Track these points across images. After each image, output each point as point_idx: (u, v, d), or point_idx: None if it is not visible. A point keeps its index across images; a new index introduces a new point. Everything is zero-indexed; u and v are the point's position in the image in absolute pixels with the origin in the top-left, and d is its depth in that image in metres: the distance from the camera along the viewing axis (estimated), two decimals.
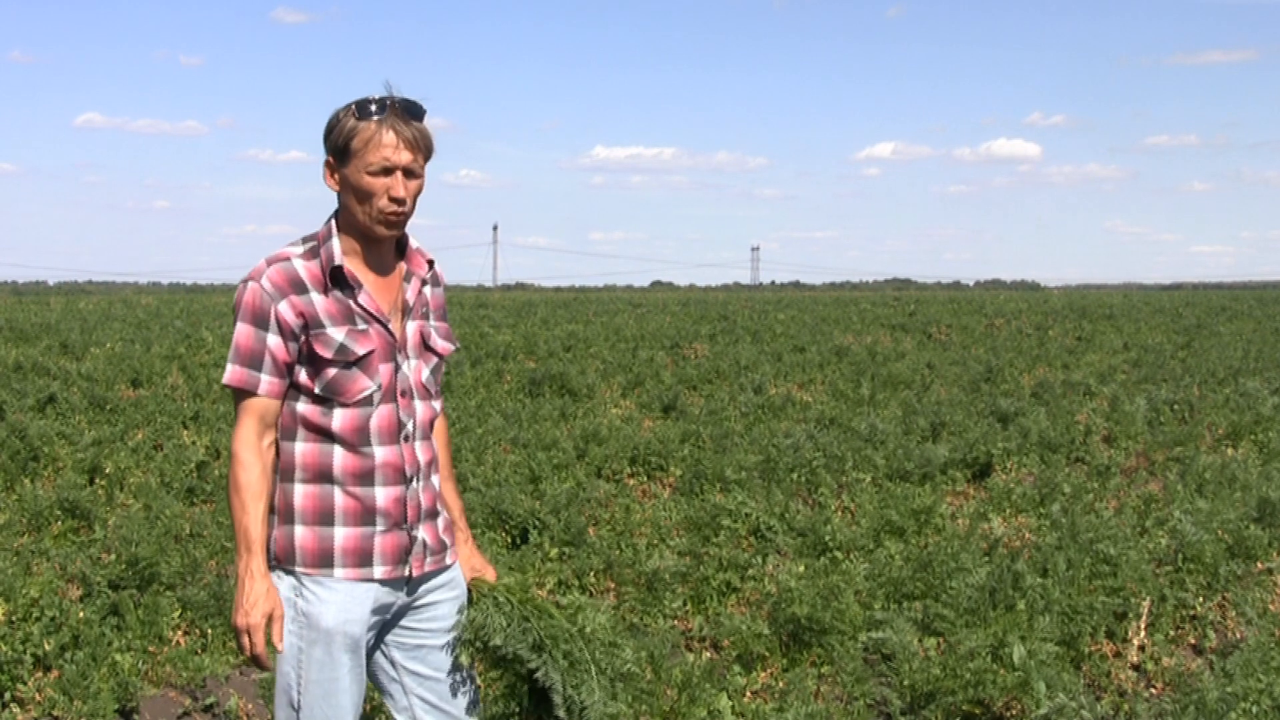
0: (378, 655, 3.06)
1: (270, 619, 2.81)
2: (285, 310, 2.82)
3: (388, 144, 2.80)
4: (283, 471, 2.89)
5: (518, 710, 3.05)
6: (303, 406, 2.87)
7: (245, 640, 2.80)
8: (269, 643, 2.83)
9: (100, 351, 18.82)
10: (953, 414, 12.11)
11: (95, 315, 30.46)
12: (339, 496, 2.87)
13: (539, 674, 2.93)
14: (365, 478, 2.88)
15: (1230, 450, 10.76)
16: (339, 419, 2.85)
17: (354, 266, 2.89)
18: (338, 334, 2.84)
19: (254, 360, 2.83)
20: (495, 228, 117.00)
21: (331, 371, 2.84)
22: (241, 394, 2.85)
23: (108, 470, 9.10)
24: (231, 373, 2.85)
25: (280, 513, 2.89)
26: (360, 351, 2.85)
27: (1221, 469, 9.21)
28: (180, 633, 5.68)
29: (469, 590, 3.09)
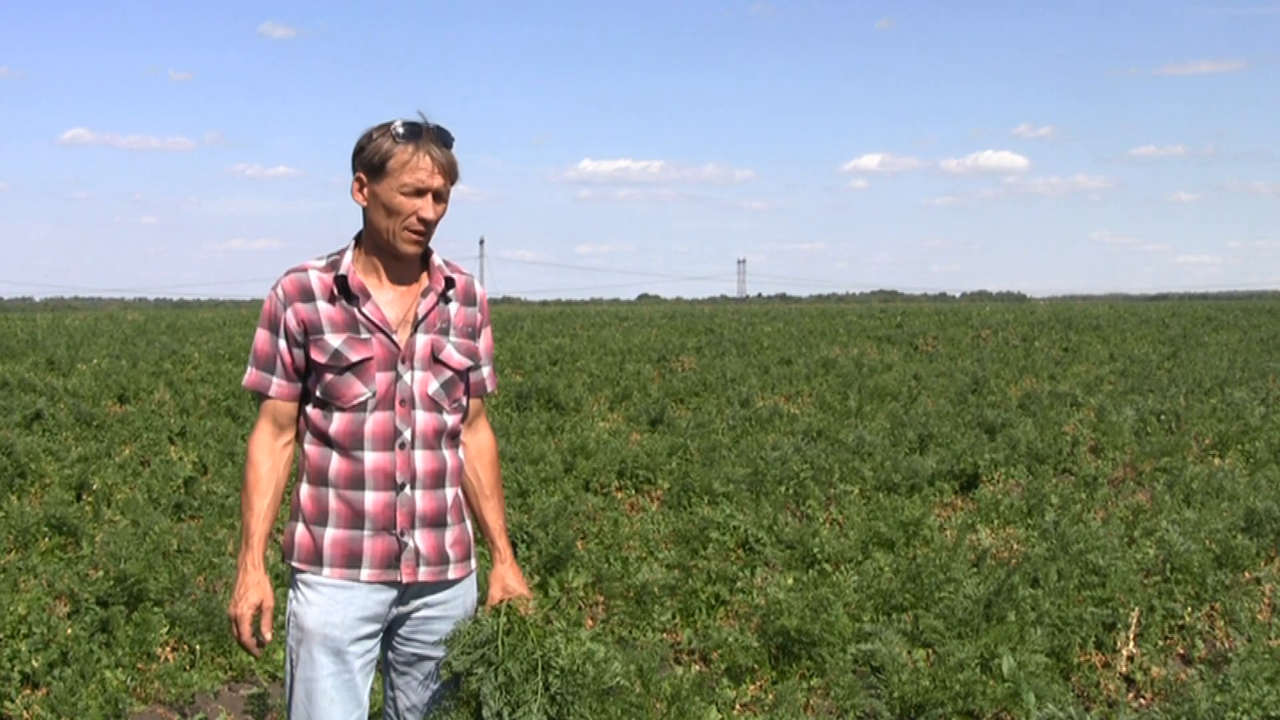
0: (387, 667, 3.11)
1: (260, 610, 2.95)
2: (290, 317, 2.96)
3: (423, 167, 2.92)
4: (298, 473, 3.03)
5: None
6: (310, 410, 2.99)
7: (234, 629, 2.96)
8: (259, 633, 2.96)
9: (87, 368, 18.73)
10: (940, 425, 12.13)
11: (82, 331, 30.30)
12: (332, 498, 2.95)
13: (474, 685, 2.93)
14: (356, 481, 2.95)
15: (1217, 460, 10.79)
16: (335, 423, 2.95)
17: (371, 280, 3.00)
18: (335, 340, 2.93)
19: (267, 364, 3.00)
20: (482, 241, 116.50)
21: (328, 376, 2.94)
22: (258, 396, 3.02)
23: (95, 486, 9.06)
24: (247, 375, 3.04)
25: (292, 511, 3.03)
26: (354, 358, 2.93)
27: (1209, 479, 9.24)
28: (169, 649, 5.67)
29: (497, 610, 3.02)
